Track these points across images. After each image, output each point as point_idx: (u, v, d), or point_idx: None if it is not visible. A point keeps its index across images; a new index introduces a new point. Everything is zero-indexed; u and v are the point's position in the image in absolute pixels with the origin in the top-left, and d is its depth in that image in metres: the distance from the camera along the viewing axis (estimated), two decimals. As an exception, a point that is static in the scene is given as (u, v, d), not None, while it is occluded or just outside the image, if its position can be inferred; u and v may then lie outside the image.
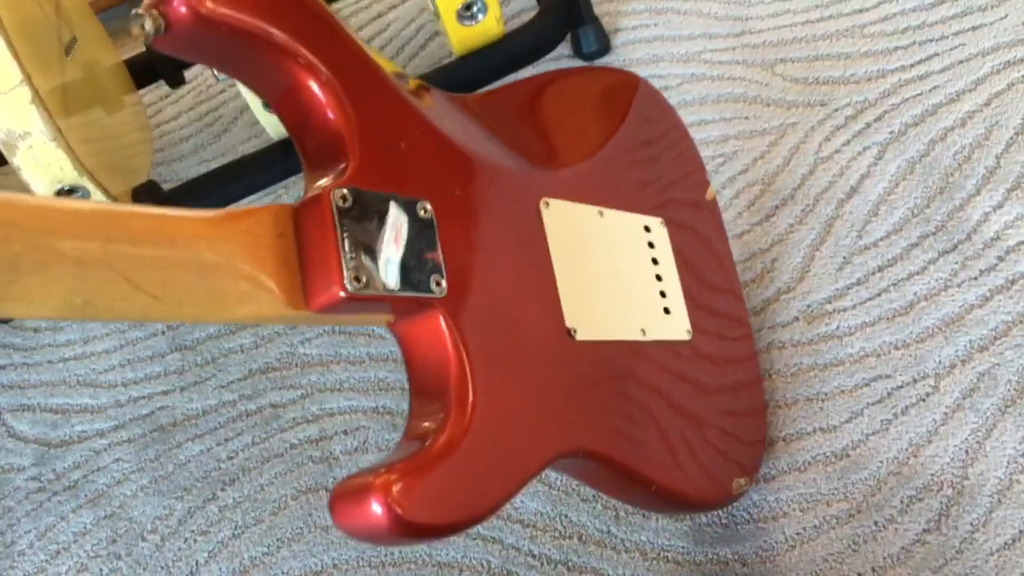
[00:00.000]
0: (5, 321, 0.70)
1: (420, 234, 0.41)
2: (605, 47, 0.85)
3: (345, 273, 0.38)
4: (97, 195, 0.67)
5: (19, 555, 0.69)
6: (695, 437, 0.54)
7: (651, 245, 0.56)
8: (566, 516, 0.61)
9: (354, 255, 0.38)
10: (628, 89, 0.60)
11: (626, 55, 0.84)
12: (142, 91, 0.93)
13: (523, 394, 0.44)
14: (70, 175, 0.64)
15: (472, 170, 0.46)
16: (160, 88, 0.98)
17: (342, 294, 0.38)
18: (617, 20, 0.88)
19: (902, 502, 0.54)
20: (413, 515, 0.38)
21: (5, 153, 0.63)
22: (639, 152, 0.59)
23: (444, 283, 0.42)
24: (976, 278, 0.62)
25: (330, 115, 0.41)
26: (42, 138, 0.62)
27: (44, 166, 0.63)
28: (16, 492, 0.72)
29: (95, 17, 0.88)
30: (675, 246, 0.57)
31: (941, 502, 0.54)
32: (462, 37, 0.69)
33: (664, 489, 0.51)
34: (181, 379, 0.75)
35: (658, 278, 0.55)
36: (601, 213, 0.53)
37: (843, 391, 0.60)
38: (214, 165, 0.89)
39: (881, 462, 0.56)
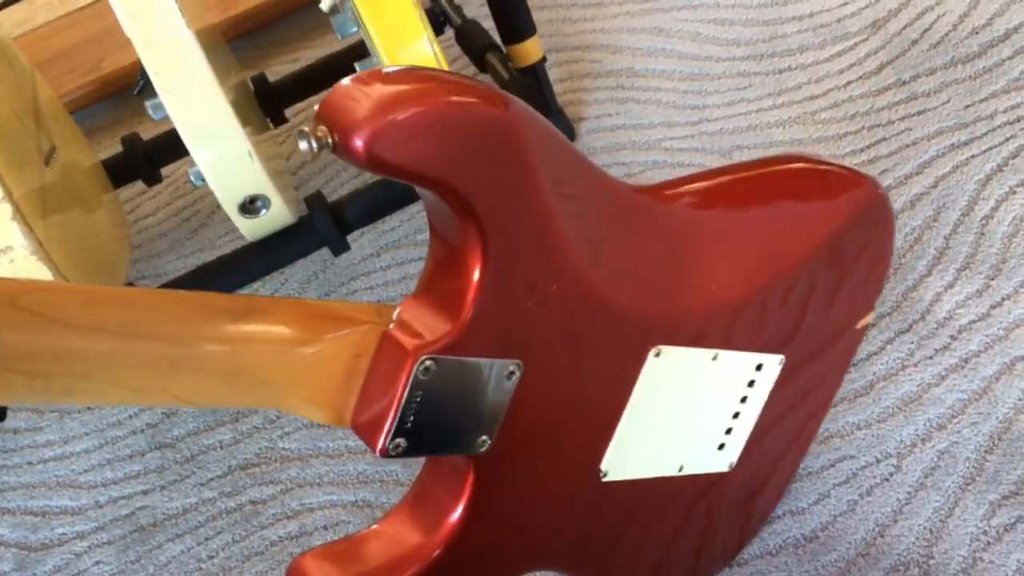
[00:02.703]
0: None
1: (495, 394, 0.40)
2: (571, 136, 0.88)
3: (391, 438, 0.37)
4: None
5: (-2, 665, 0.69)
6: (685, 551, 0.55)
7: (751, 384, 0.51)
8: (546, 607, 0.61)
9: (410, 421, 0.37)
10: (849, 204, 0.50)
11: (590, 143, 0.88)
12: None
13: (527, 509, 0.45)
14: (51, 285, 0.66)
15: (590, 323, 0.42)
16: (137, 184, 1.00)
17: (379, 454, 0.38)
18: (581, 109, 0.91)
19: (871, 584, 0.56)
20: None
21: (-14, 266, 0.64)
22: (815, 284, 0.51)
23: (491, 443, 0.40)
24: (931, 357, 0.64)
25: (466, 278, 0.37)
26: (23, 252, 0.64)
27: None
28: (-5, 599, 0.72)
29: (71, 118, 0.90)
30: (778, 382, 0.52)
31: (908, 583, 0.55)
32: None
33: None
34: (161, 477, 0.76)
35: (735, 415, 0.51)
36: (716, 357, 0.48)
37: (810, 473, 0.61)
38: (192, 260, 0.91)
39: (850, 543, 0.58)
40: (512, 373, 0.40)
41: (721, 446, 0.52)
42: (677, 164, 0.83)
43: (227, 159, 0.66)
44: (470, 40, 0.89)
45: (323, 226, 0.73)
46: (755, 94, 0.87)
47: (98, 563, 0.72)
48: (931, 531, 0.57)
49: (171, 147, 0.91)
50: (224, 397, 0.37)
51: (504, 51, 0.86)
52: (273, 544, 0.70)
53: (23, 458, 0.80)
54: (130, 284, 0.77)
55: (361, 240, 0.87)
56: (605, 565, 0.53)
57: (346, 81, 0.35)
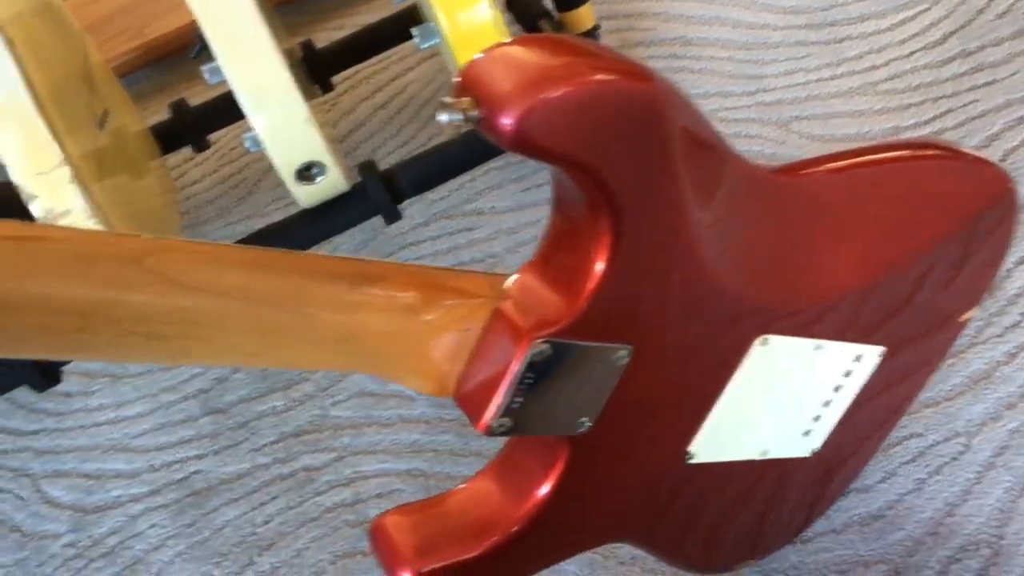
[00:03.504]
0: (50, 385, 0.71)
1: (602, 378, 0.39)
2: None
3: (497, 415, 0.36)
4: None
5: (57, 624, 0.70)
6: (750, 525, 0.55)
7: (847, 374, 0.50)
8: (604, 579, 0.61)
9: (518, 402, 0.36)
10: (977, 197, 0.48)
11: (643, 113, 0.86)
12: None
13: (611, 487, 0.44)
14: (109, 249, 0.66)
15: (704, 311, 0.41)
16: (183, 150, 1.00)
17: (481, 430, 0.38)
18: (633, 78, 0.90)
19: (940, 563, 0.55)
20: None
21: (46, 230, 0.64)
22: (929, 277, 0.49)
23: (589, 425, 0.40)
24: (1001, 335, 0.63)
25: (590, 261, 0.36)
26: (82, 215, 0.64)
27: (85, 242, 0.65)
28: (52, 559, 0.73)
29: (120, 84, 0.90)
30: (874, 373, 0.51)
31: (979, 563, 0.55)
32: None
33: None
34: (214, 443, 0.76)
35: (826, 403, 0.50)
36: (819, 347, 0.47)
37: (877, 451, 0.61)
38: (240, 228, 0.91)
39: (917, 522, 0.57)
40: (621, 358, 0.39)
41: (807, 432, 0.51)
42: (733, 135, 0.82)
43: (285, 124, 0.65)
44: (522, 6, 0.87)
45: (376, 194, 0.73)
46: (814, 63, 0.85)
47: (153, 526, 0.73)
48: (1001, 511, 0.56)
49: (219, 113, 0.90)
50: (332, 362, 0.36)
51: (556, 18, 0.84)
52: (328, 511, 0.70)
53: (76, 422, 0.81)
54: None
55: (410, 209, 0.86)
56: (673, 537, 0.52)
57: (491, 49, 0.33)
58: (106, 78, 0.85)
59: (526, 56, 0.33)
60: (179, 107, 0.88)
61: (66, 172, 0.63)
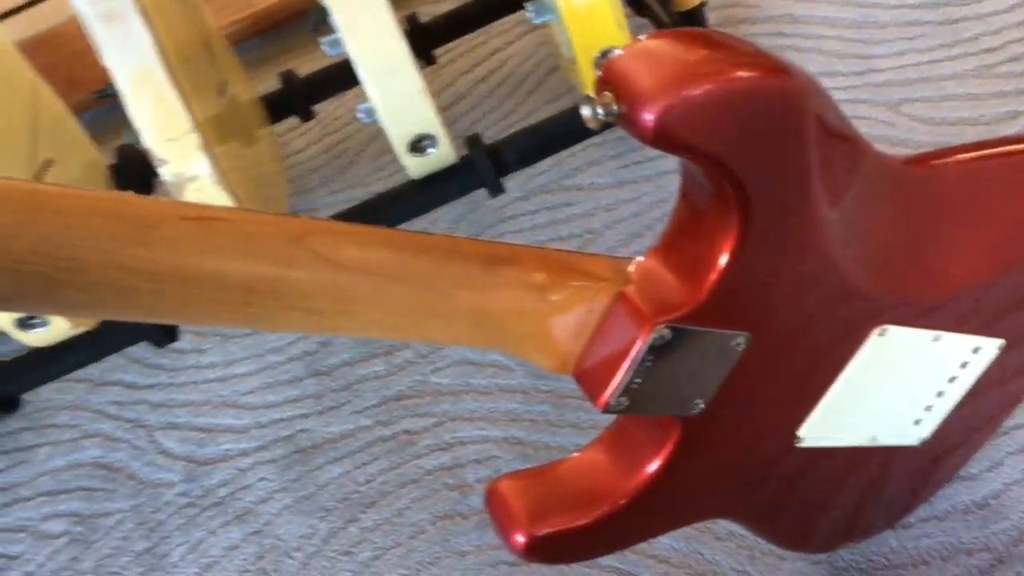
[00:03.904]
0: (169, 342, 0.75)
1: (718, 362, 0.40)
2: (725, 84, 0.86)
3: (616, 394, 0.38)
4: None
5: (172, 567, 0.74)
6: (851, 507, 0.55)
7: (964, 365, 0.49)
8: (700, 553, 0.62)
9: (637, 383, 0.38)
10: None
11: (746, 92, 0.86)
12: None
13: (719, 466, 0.45)
14: (231, 214, 0.69)
15: (825, 301, 0.41)
16: (289, 120, 1.03)
17: (600, 407, 0.39)
18: (737, 56, 0.89)
19: (1048, 554, 0.55)
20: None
21: (173, 192, 0.68)
22: None
23: (703, 406, 0.41)
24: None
25: (715, 251, 0.37)
26: (208, 180, 0.67)
27: (209, 206, 0.68)
28: (167, 506, 0.77)
29: (233, 53, 0.93)
30: (991, 366, 0.50)
31: (1089, 556, 0.54)
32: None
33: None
34: (318, 403, 0.79)
35: (939, 394, 0.50)
36: (938, 338, 0.47)
37: (981, 439, 0.60)
38: (342, 196, 0.94)
39: (1023, 513, 0.57)
40: (739, 344, 0.40)
41: (918, 421, 0.51)
42: (840, 116, 0.81)
43: (401, 97, 0.67)
44: (627, -18, 0.87)
45: (482, 167, 0.74)
46: (926, 44, 0.83)
47: (262, 479, 0.76)
48: (1114, 506, 0.55)
49: (325, 84, 0.93)
50: (463, 337, 0.38)
51: (663, -6, 0.84)
52: (428, 473, 0.72)
53: (188, 377, 0.85)
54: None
55: (509, 183, 0.87)
56: (772, 515, 0.53)
57: (632, 45, 0.34)
58: (222, 46, 0.89)
59: (667, 52, 0.34)
60: (288, 77, 0.91)
61: (195, 139, 0.66)
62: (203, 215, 0.31)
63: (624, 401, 0.39)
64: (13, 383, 0.74)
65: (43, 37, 1.07)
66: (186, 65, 0.70)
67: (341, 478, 0.74)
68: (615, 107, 0.33)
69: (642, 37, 0.35)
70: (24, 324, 0.69)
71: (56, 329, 0.70)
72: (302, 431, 0.78)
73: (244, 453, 0.78)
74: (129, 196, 0.30)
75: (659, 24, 0.82)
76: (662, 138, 0.32)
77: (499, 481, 0.45)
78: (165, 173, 0.66)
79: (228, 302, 0.31)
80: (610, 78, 0.33)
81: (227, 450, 0.79)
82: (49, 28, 1.10)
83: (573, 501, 0.45)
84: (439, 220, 0.88)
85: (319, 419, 0.78)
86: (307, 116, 0.92)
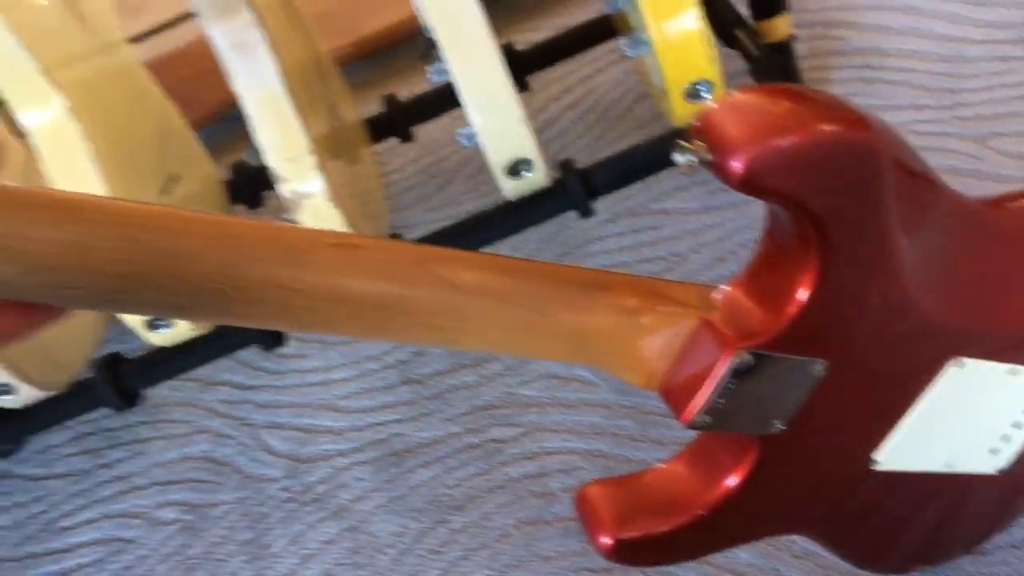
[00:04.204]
0: (277, 346, 0.81)
1: (797, 387, 0.42)
2: (812, 114, 0.88)
3: (699, 412, 0.41)
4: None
5: (273, 557, 0.79)
6: (927, 532, 0.56)
7: None
8: (777, 570, 0.64)
9: (719, 402, 0.41)
10: None
11: (833, 122, 0.88)
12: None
13: (795, 484, 0.48)
14: (340, 229, 0.74)
15: (902, 333, 0.44)
16: (387, 140, 1.08)
17: (683, 423, 0.42)
18: (824, 87, 0.91)
19: None
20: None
21: (290, 208, 0.73)
22: None
23: (782, 426, 0.43)
24: None
25: (796, 284, 0.40)
26: (322, 198, 0.72)
27: (321, 221, 0.73)
28: (270, 500, 0.83)
29: (340, 75, 0.99)
30: None
31: None
32: (685, 111, 0.75)
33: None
34: (411, 410, 0.84)
35: (1015, 424, 0.52)
36: (1014, 371, 0.49)
37: (1064, 470, 0.61)
38: (438, 214, 0.99)
39: (1106, 544, 0.57)
40: (817, 371, 0.42)
41: (994, 451, 0.53)
42: (927, 148, 0.81)
43: (502, 123, 0.71)
44: (716, 14, 0.90)
45: (574, 190, 0.78)
46: (1016, 79, 0.84)
47: (358, 479, 0.81)
48: None
49: (425, 108, 0.98)
50: (560, 354, 0.41)
51: (752, 26, 0.87)
52: (514, 481, 0.76)
53: (291, 380, 0.91)
54: (395, 235, 0.84)
55: (597, 205, 0.91)
56: (847, 535, 0.55)
57: (724, 99, 0.37)
58: (331, 70, 0.95)
59: (755, 106, 0.37)
60: (390, 101, 0.97)
61: (312, 159, 0.71)
62: (346, 242, 0.36)
63: (707, 419, 0.42)
64: (138, 379, 0.80)
65: (164, 59, 1.15)
66: (303, 88, 0.76)
67: (431, 481, 0.79)
68: (707, 155, 0.36)
69: (733, 91, 0.38)
70: (152, 325, 0.76)
71: (179, 331, 0.77)
72: (396, 435, 0.83)
73: (341, 453, 0.83)
74: (285, 225, 0.35)
75: (748, 56, 0.85)
76: (749, 185, 0.36)
77: (588, 487, 0.49)
78: (284, 190, 0.72)
79: (365, 317, 0.36)
80: (703, 129, 0.37)
81: (326, 450, 0.84)
82: (169, 51, 1.19)
83: (656, 509, 0.48)
84: (528, 239, 0.92)
85: (412, 424, 0.83)
86: (407, 138, 0.98)
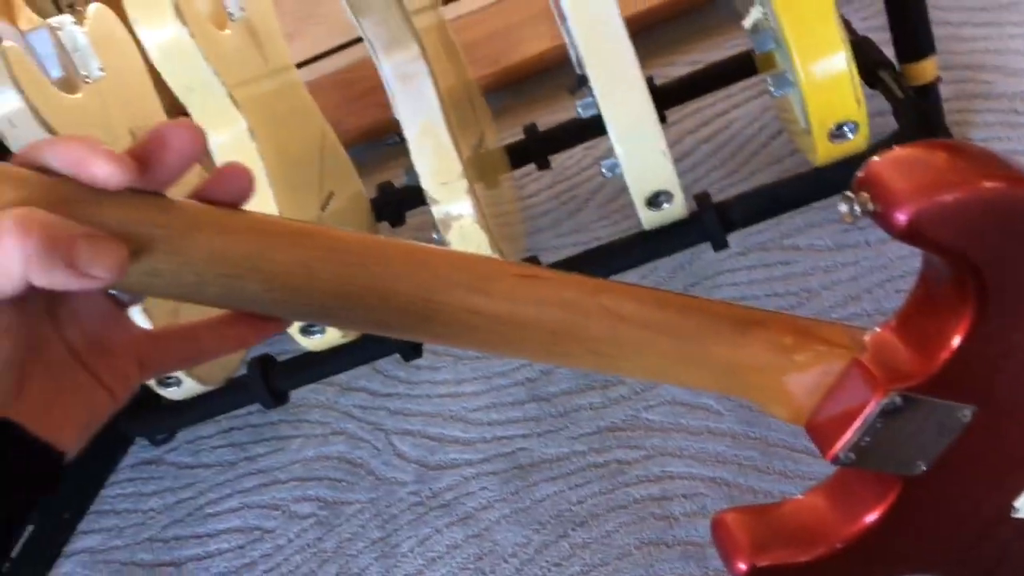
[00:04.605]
0: (415, 356, 0.86)
1: (944, 430, 0.43)
2: (954, 157, 0.87)
3: (845, 449, 0.42)
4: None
5: (401, 556, 0.83)
6: None
7: None
8: (904, 610, 0.64)
9: (866, 441, 0.42)
10: None
11: (976, 165, 0.87)
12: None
13: (932, 525, 0.49)
14: (485, 250, 0.78)
15: None
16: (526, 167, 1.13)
17: (829, 459, 0.43)
18: (968, 131, 0.90)
19: None
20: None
21: (440, 228, 0.78)
22: None
23: (925, 467, 0.44)
24: None
25: (950, 330, 0.41)
26: (471, 219, 0.77)
27: (468, 242, 0.78)
28: (399, 502, 0.87)
29: (486, 102, 1.04)
30: None
31: None
32: (828, 151, 0.76)
33: None
34: (538, 426, 0.87)
35: None
36: None
37: None
38: (569, 239, 1.02)
39: None
40: (964, 416, 0.43)
41: None
42: (1077, 195, 0.80)
43: (646, 156, 0.74)
44: (862, 56, 0.90)
45: (710, 223, 0.80)
46: None
47: (483, 488, 0.85)
48: None
49: (562, 138, 1.02)
50: (712, 385, 0.44)
51: (897, 68, 0.87)
52: (636, 501, 0.78)
53: (423, 391, 0.95)
54: (532, 257, 0.88)
55: (728, 238, 0.92)
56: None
57: (888, 153, 0.39)
58: (477, 95, 1.00)
59: (918, 160, 0.39)
60: (531, 130, 1.01)
61: (464, 184, 0.76)
62: (528, 273, 0.39)
63: (852, 456, 0.44)
64: (287, 380, 0.86)
65: (320, 82, 1.23)
66: (456, 114, 0.80)
67: (555, 496, 0.81)
68: (870, 206, 0.38)
69: (896, 148, 0.40)
70: (305, 331, 0.81)
71: (329, 337, 0.82)
72: (521, 449, 0.86)
73: (469, 463, 0.87)
74: (475, 255, 0.39)
75: (892, 98, 0.85)
76: (912, 236, 0.38)
77: (726, 513, 0.50)
78: (436, 211, 0.77)
79: (539, 341, 0.39)
80: (867, 181, 0.39)
81: (454, 459, 0.88)
82: (316, 78, 1.27)
83: (793, 539, 0.50)
84: (658, 268, 0.94)
85: (538, 440, 0.86)
86: (544, 165, 1.02)
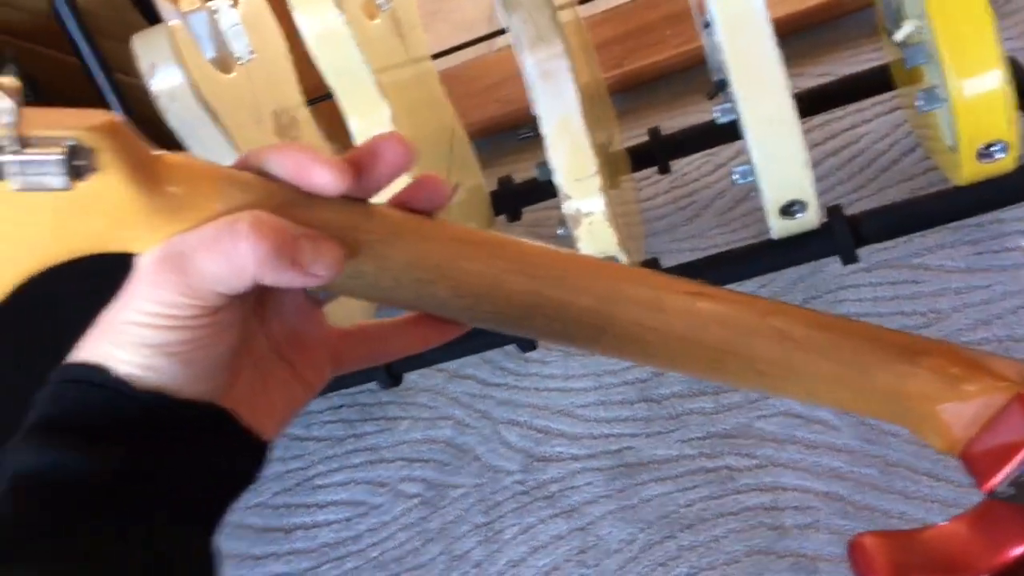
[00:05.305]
0: (531, 349, 0.87)
1: None
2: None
3: (1004, 483, 0.42)
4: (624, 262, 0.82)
5: (505, 543, 0.85)
6: None
7: None
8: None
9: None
10: None
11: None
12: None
13: None
14: (612, 249, 0.79)
15: None
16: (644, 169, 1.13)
17: (985, 492, 0.44)
18: (1116, 159, 0.87)
19: None
20: None
21: (569, 223, 0.79)
22: None
23: None
24: None
25: None
26: (601, 218, 0.78)
27: (597, 239, 0.78)
28: (504, 490, 0.89)
29: (611, 103, 1.05)
30: None
31: None
32: (974, 171, 0.74)
33: None
34: (647, 427, 0.88)
35: None
36: None
37: None
38: (685, 244, 1.02)
39: None
40: None
41: None
42: None
43: (786, 164, 0.74)
44: (1018, 75, 0.88)
45: (842, 237, 0.79)
46: None
47: (589, 483, 0.86)
48: None
49: (685, 143, 1.02)
50: (868, 409, 0.44)
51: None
52: (747, 509, 0.78)
53: (531, 383, 0.97)
54: (652, 259, 0.88)
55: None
56: None
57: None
58: (606, 95, 1.01)
59: None
60: (655, 133, 1.02)
61: (597, 180, 0.77)
62: (700, 291, 0.40)
63: (1010, 490, 0.44)
64: (403, 362, 0.89)
65: (451, 72, 1.25)
66: (590, 112, 0.81)
67: (663, 497, 0.82)
68: None
69: None
70: (429, 314, 0.84)
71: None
72: (629, 448, 0.87)
73: (575, 458, 0.88)
74: (647, 271, 0.40)
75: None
76: None
77: (863, 536, 0.50)
78: (567, 207, 0.78)
79: (705, 358, 0.40)
80: None
81: (559, 452, 0.89)
82: (446, 68, 1.29)
83: (934, 566, 0.49)
84: (777, 279, 0.94)
85: (646, 441, 0.86)
86: (665, 170, 1.02)
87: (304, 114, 0.96)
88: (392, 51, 0.87)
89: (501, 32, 1.10)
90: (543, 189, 0.87)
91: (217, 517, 0.31)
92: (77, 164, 0.27)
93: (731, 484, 0.80)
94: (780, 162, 0.74)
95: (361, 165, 0.31)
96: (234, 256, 0.28)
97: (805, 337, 0.41)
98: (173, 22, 0.81)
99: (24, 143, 0.26)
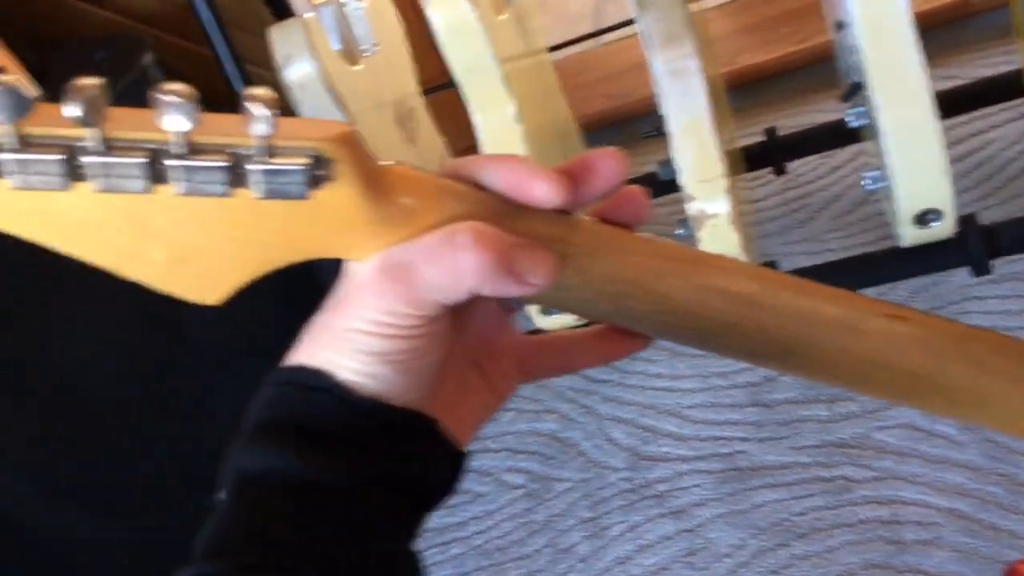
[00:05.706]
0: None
1: None
2: None
3: None
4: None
5: (611, 539, 0.85)
6: None
7: None
8: None
9: None
10: None
11: None
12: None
13: None
14: (734, 251, 0.78)
15: None
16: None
17: None
18: None
19: None
20: None
21: (692, 224, 0.78)
22: None
23: None
24: None
25: None
26: (725, 220, 0.77)
27: (720, 242, 0.78)
28: (610, 486, 0.89)
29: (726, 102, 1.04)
30: None
31: None
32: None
33: None
34: (759, 431, 0.87)
35: None
36: None
37: None
38: (797, 248, 1.00)
39: None
40: None
41: None
42: None
43: (925, 172, 0.72)
44: None
45: (975, 247, 0.77)
46: None
47: (697, 485, 0.85)
48: None
49: (802, 145, 1.00)
50: (999, 425, 0.43)
51: None
52: (863, 522, 0.77)
53: (637, 382, 0.97)
54: (770, 263, 0.87)
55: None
56: None
57: None
58: (723, 93, 0.99)
59: None
60: (771, 133, 1.00)
61: (723, 182, 0.76)
62: (898, 314, 0.39)
63: None
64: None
65: (558, 66, 1.25)
66: (715, 111, 0.81)
67: (775, 504, 0.81)
68: None
69: None
70: (545, 311, 0.84)
71: (564, 320, 0.85)
72: (739, 452, 0.86)
73: (683, 459, 0.88)
74: (848, 293, 0.38)
75: None
76: None
77: (1019, 563, 0.49)
78: (691, 208, 0.77)
79: (897, 383, 0.39)
80: None
81: (667, 452, 0.89)
82: (560, 59, 1.29)
83: None
84: (899, 288, 0.91)
85: (758, 446, 0.86)
86: (780, 171, 1.00)
87: (420, 104, 0.97)
88: (516, 46, 0.87)
89: (613, 28, 1.09)
90: (660, 185, 0.87)
91: (418, 526, 0.31)
92: (317, 174, 0.28)
93: (847, 495, 0.79)
94: (919, 169, 0.72)
95: (577, 178, 0.31)
96: (456, 267, 0.28)
97: (999, 366, 0.39)
98: (307, 15, 0.82)
99: (272, 152, 0.27)
